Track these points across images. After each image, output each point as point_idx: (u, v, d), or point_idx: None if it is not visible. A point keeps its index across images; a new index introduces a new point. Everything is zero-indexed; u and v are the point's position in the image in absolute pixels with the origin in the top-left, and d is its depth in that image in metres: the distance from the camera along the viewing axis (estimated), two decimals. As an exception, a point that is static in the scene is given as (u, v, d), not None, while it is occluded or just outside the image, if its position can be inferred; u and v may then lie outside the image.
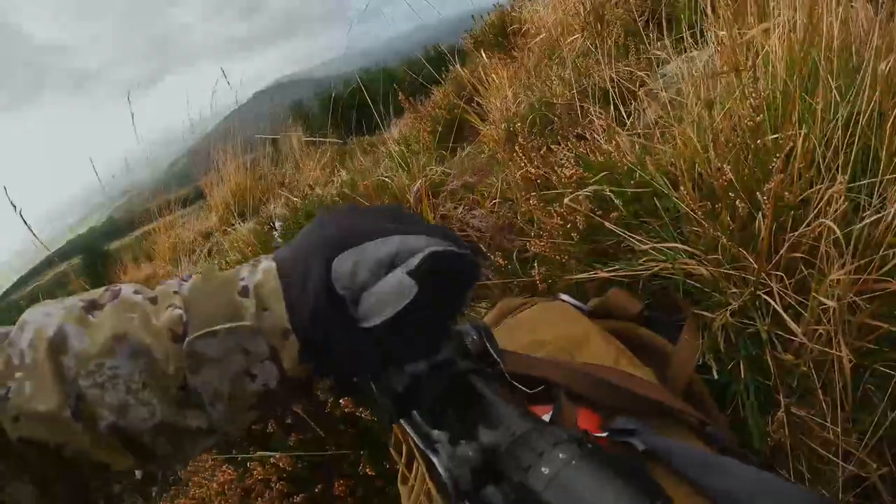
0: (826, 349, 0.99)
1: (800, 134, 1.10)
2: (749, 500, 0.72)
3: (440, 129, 2.99)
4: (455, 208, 2.11)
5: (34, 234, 3.20)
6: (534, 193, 1.42)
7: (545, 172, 1.50)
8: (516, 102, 2.50)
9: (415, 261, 0.50)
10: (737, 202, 1.07)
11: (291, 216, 2.52)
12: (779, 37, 1.33)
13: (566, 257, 1.35)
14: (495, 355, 0.60)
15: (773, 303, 1.05)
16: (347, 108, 5.93)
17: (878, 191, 1.08)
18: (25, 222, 3.08)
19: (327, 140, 4.45)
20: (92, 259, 10.70)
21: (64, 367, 0.48)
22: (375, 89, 4.21)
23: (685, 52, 2.06)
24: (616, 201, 1.25)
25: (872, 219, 1.02)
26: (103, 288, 0.54)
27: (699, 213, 1.14)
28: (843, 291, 0.96)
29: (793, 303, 1.05)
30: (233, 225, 4.82)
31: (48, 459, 0.48)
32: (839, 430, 1.03)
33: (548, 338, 1.01)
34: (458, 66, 3.21)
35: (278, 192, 4.65)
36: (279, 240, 2.43)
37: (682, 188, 1.22)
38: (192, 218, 6.04)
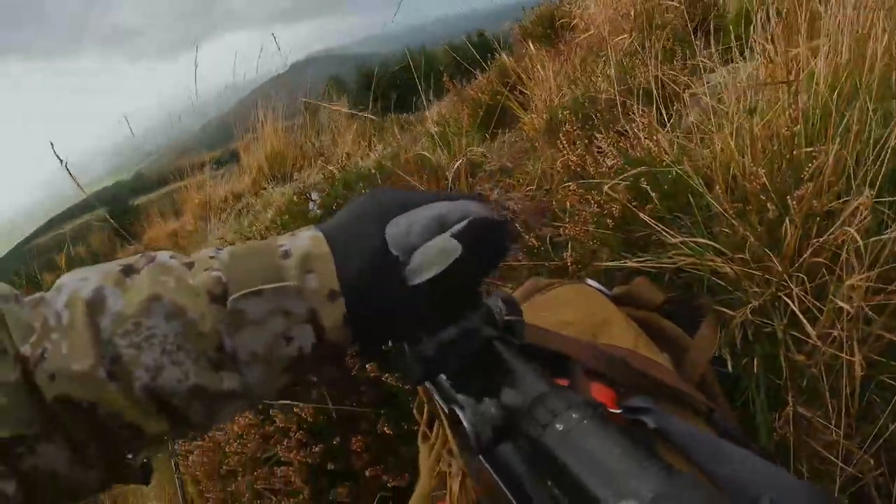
0: (838, 353, 1.05)
1: (832, 149, 1.16)
2: (753, 489, 0.78)
3: (481, 113, 3.05)
4: (491, 189, 2.17)
5: (75, 181, 3.20)
6: (572, 181, 1.48)
7: (585, 161, 1.57)
8: (560, 94, 2.55)
9: (460, 225, 0.54)
10: (767, 205, 1.13)
11: (329, 186, 2.55)
12: (825, 56, 1.39)
13: (598, 244, 1.42)
14: (518, 327, 0.62)
15: (791, 304, 1.11)
16: (387, 86, 5.97)
17: None
18: (68, 170, 3.08)
19: (366, 114, 4.49)
20: (118, 211, 10.84)
21: (101, 328, 0.48)
22: (417, 70, 4.26)
23: (731, 62, 2.11)
24: (652, 194, 1.31)
25: (891, 235, 1.08)
26: (139, 254, 0.55)
27: (731, 212, 1.20)
28: (859, 297, 1.02)
29: (810, 307, 1.11)
30: (265, 188, 4.88)
31: (81, 420, 0.48)
32: (842, 433, 1.09)
33: (572, 318, 1.05)
34: (503, 54, 3.26)
35: (315, 162, 4.70)
36: (317, 211, 2.46)
37: (716, 188, 1.29)
38: (223, 178, 6.10)
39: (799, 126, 1.21)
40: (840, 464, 1.10)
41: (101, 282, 0.50)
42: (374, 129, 4.97)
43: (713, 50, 2.12)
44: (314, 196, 2.56)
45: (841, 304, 1.03)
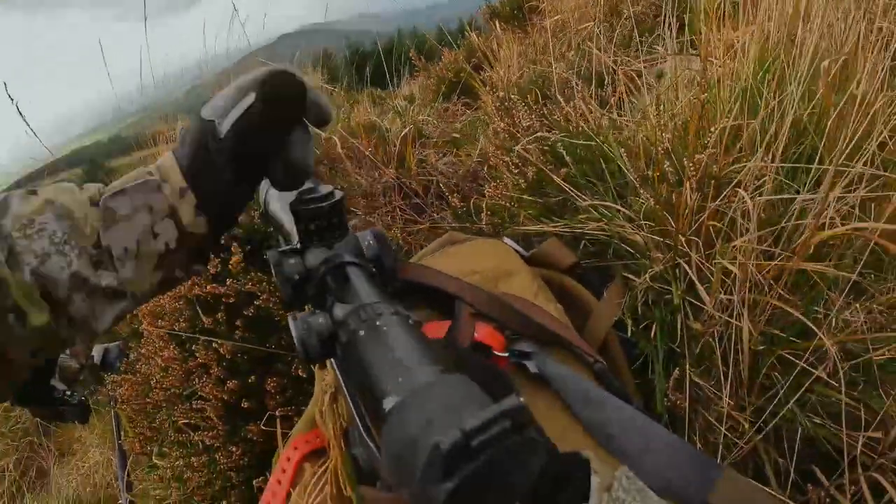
0: (730, 320, 1.06)
1: (743, 122, 1.18)
2: (620, 435, 0.79)
3: (444, 88, 3.07)
4: (437, 159, 2.20)
5: (41, 142, 3.21)
6: (497, 142, 1.49)
7: (511, 127, 1.58)
8: (519, 74, 2.57)
9: (254, 77, 0.61)
10: (668, 169, 1.15)
11: None
12: (756, 40, 1.41)
13: (516, 207, 1.43)
14: (385, 260, 0.69)
15: (689, 270, 1.13)
16: (373, 64, 6.01)
17: (809, 181, 1.15)
18: (25, 121, 3.06)
19: (337, 87, 4.50)
20: (94, 172, 10.71)
21: (2, 226, 0.57)
22: (399, 48, 4.29)
23: (687, 53, 2.14)
24: (567, 158, 1.33)
25: (787, 198, 1.09)
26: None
27: (638, 179, 1.21)
28: (747, 259, 1.03)
29: (707, 273, 1.12)
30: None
31: None
32: (730, 403, 1.10)
33: (479, 268, 1.09)
34: (472, 33, 3.28)
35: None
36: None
37: (638, 161, 1.30)
38: None
39: (705, 94, 1.22)
40: (725, 432, 1.10)
41: (9, 193, 0.60)
42: (348, 102, 4.99)
43: (668, 41, 2.15)
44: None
45: (728, 265, 1.03)
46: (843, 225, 1.06)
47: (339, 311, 0.58)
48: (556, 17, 2.90)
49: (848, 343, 1.06)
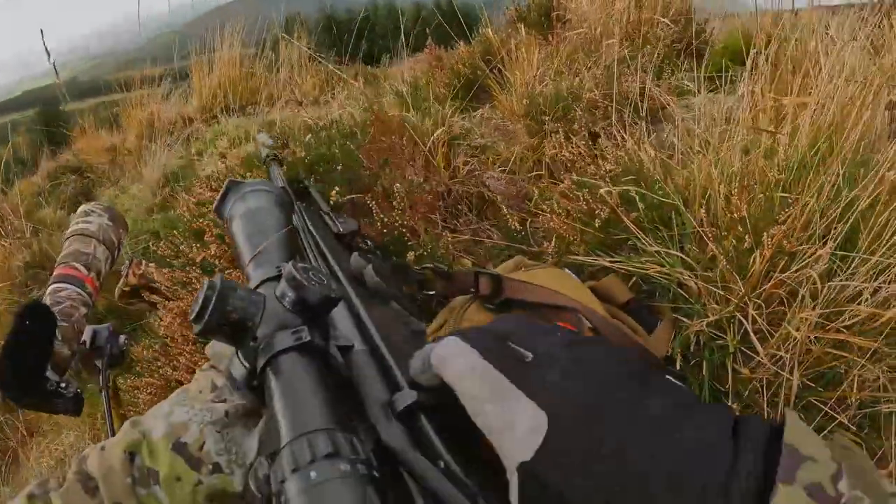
0: (780, 371, 1.23)
1: (805, 199, 1.35)
2: None
3: (458, 85, 3.14)
4: (465, 164, 2.28)
5: None
6: (563, 175, 1.62)
7: (577, 158, 1.71)
8: (542, 83, 2.68)
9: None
10: (745, 235, 1.31)
11: (311, 137, 2.53)
12: (810, 115, 1.58)
13: (577, 240, 1.57)
14: (308, 297, 0.62)
15: (746, 323, 1.29)
16: (355, 34, 5.94)
17: (851, 264, 1.34)
18: None
19: (330, 60, 4.51)
20: (48, 114, 10.33)
21: None
22: (391, 22, 4.32)
23: (714, 91, 2.30)
24: (640, 205, 1.47)
25: (842, 283, 1.28)
26: None
27: (709, 234, 1.37)
28: (807, 328, 1.21)
29: (762, 329, 1.29)
30: (216, 117, 4.83)
31: None
32: None
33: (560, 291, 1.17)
34: (489, 29, 3.34)
35: (276, 98, 4.67)
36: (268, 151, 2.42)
37: (693, 209, 1.46)
38: (171, 97, 5.89)
39: (783, 175, 1.39)
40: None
41: None
42: (336, 77, 4.97)
43: (697, 74, 2.29)
44: (265, 139, 2.48)
45: (792, 331, 1.21)
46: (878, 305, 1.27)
47: (268, 450, 0.50)
48: (579, 30, 3.01)
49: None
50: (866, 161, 1.55)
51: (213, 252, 1.77)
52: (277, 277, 0.66)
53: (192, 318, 0.59)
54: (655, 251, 1.43)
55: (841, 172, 1.42)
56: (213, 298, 0.58)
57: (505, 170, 2.23)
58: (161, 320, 1.88)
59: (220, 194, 0.95)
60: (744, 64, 1.99)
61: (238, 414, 0.65)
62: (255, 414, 0.66)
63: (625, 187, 1.50)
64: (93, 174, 5.75)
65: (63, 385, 1.46)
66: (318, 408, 0.52)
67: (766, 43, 1.96)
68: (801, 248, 1.32)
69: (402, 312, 1.08)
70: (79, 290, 1.67)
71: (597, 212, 1.50)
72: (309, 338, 0.59)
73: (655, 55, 2.65)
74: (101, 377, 1.69)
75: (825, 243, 1.32)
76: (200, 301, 0.58)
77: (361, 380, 0.60)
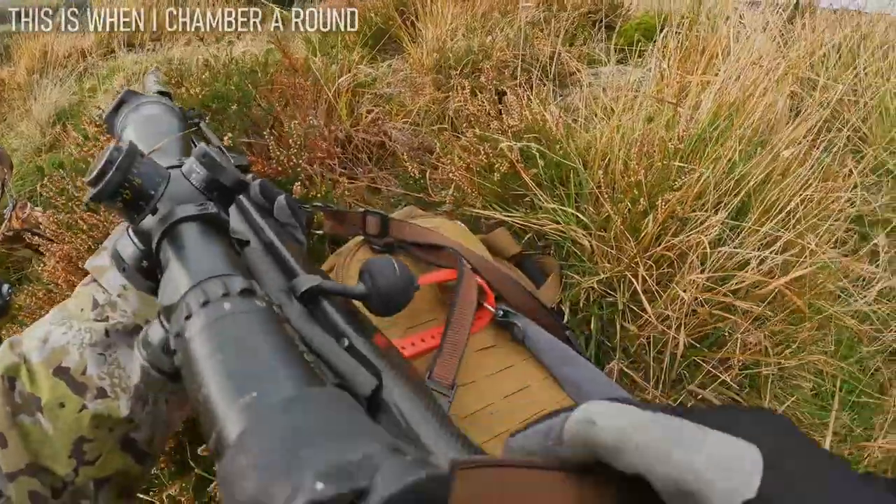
0: (667, 330, 1.28)
1: (702, 170, 1.40)
2: (591, 390, 0.96)
3: (369, 34, 3.10)
4: (369, 112, 2.26)
5: None
6: (473, 129, 1.62)
7: (481, 113, 1.72)
8: (454, 39, 2.67)
9: None
10: (640, 199, 1.34)
11: (208, 75, 2.42)
12: (714, 93, 1.65)
13: (475, 192, 1.57)
14: (222, 178, 0.60)
15: (636, 283, 1.34)
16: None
17: (741, 234, 1.40)
18: None
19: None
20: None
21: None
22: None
23: (623, 62, 2.36)
24: (539, 161, 1.48)
25: (731, 251, 1.34)
26: None
27: (606, 195, 1.40)
28: (695, 290, 1.26)
29: (651, 289, 1.33)
30: (114, 52, 4.60)
31: None
32: (658, 392, 1.33)
33: (450, 242, 1.17)
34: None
35: (178, 34, 4.48)
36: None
37: (593, 171, 1.49)
38: (66, 30, 5.50)
39: (682, 145, 1.44)
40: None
41: None
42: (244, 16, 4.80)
43: (608, 45, 2.34)
44: (154, 77, 2.37)
45: (680, 292, 1.25)
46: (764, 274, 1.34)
47: (166, 302, 0.47)
48: (497, -11, 3.01)
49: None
50: (764, 141, 1.62)
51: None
52: (179, 167, 0.62)
53: (89, 179, 0.53)
54: (552, 208, 1.46)
55: (738, 149, 1.48)
56: (119, 158, 0.53)
57: (409, 122, 2.21)
58: (45, 265, 1.78)
59: (113, 104, 0.90)
60: (655, 41, 2.04)
61: (119, 333, 0.63)
62: (137, 331, 0.63)
63: (526, 144, 1.51)
64: (-23, 110, 5.37)
65: None
66: (225, 258, 0.50)
67: (680, 23, 2.03)
68: (693, 214, 1.37)
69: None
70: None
71: (496, 166, 1.51)
72: (215, 210, 0.56)
73: (569, 21, 2.68)
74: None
75: (717, 213, 1.37)
76: (104, 159, 0.53)
77: (260, 272, 0.56)
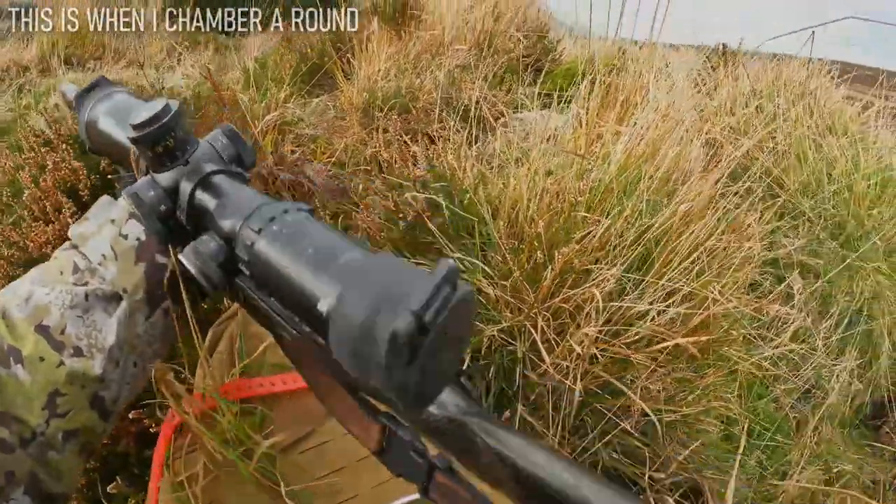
0: (564, 380, 1.31)
1: (605, 223, 1.44)
2: None
3: (303, 69, 3.11)
4: (292, 152, 2.27)
5: None
6: (379, 174, 1.65)
7: (394, 160, 1.74)
8: (385, 79, 2.70)
9: None
10: (538, 251, 1.37)
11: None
12: (625, 144, 1.69)
13: (385, 239, 1.59)
14: (245, 157, 0.70)
15: (534, 333, 1.36)
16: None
17: (641, 286, 1.44)
18: None
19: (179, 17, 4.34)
20: None
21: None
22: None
23: (548, 107, 2.40)
24: (446, 212, 1.51)
25: (624, 304, 1.37)
26: None
27: (507, 247, 1.43)
28: (589, 343, 1.29)
29: (549, 339, 1.36)
30: (55, 69, 4.54)
31: None
32: (557, 439, 1.35)
33: None
34: (345, 19, 3.33)
35: (117, 56, 4.44)
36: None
37: (498, 221, 1.52)
38: (7, 40, 5.38)
39: (584, 197, 1.47)
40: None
41: None
42: (186, 41, 4.80)
43: (536, 90, 2.39)
44: (67, 88, 2.35)
45: (575, 345, 1.28)
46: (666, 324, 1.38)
47: (228, 225, 0.58)
48: (433, 32, 3.05)
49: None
50: (673, 191, 1.67)
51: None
52: None
53: (139, 122, 0.60)
54: (458, 258, 1.48)
55: (645, 199, 1.52)
56: (172, 113, 0.61)
57: (334, 160, 2.23)
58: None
59: (87, 85, 0.91)
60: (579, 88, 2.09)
61: (98, 297, 0.67)
62: (114, 299, 0.67)
63: (430, 196, 1.53)
64: None
65: None
66: (263, 194, 0.61)
67: (604, 70, 2.08)
68: (593, 266, 1.40)
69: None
70: None
71: (400, 215, 1.53)
72: (239, 170, 0.69)
73: (498, 66, 2.73)
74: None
75: (614, 266, 1.41)
76: (158, 109, 0.60)
77: None
